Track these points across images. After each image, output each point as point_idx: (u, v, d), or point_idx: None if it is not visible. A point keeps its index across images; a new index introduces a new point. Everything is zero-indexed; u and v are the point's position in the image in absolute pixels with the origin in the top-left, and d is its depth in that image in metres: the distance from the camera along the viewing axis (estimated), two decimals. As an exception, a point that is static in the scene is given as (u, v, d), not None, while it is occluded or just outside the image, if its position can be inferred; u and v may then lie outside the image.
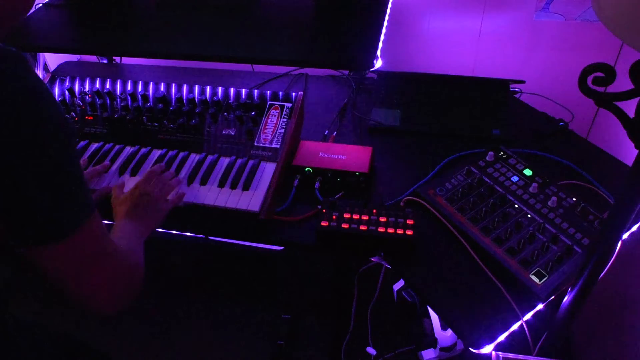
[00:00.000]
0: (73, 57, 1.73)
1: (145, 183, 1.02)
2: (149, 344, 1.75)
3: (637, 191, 0.66)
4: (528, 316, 0.92)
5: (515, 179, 1.12)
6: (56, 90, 1.32)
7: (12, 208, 0.59)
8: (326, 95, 1.48)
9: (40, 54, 1.71)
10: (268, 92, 1.27)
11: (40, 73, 1.73)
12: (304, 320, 1.77)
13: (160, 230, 1.12)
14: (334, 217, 1.04)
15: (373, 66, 1.20)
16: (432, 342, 1.47)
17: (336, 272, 1.87)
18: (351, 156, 1.18)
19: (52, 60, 1.75)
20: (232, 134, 1.22)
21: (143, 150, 1.21)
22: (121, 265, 0.72)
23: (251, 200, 1.08)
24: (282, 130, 1.20)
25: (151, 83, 1.31)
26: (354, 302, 1.75)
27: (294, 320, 1.75)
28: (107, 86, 1.32)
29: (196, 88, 1.29)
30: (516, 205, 1.07)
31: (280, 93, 1.27)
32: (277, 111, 1.24)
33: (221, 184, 1.12)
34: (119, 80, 1.33)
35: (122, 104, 1.28)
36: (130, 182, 1.12)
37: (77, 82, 1.33)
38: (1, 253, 0.68)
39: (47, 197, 0.59)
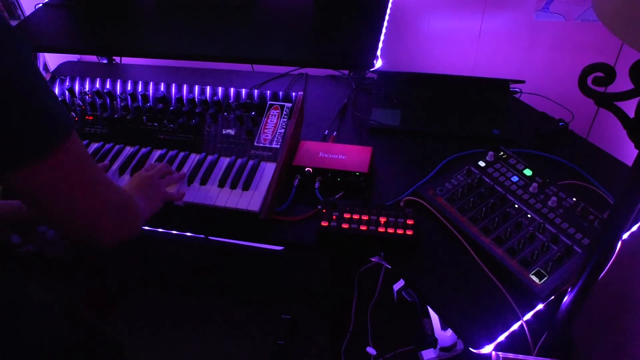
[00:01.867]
0: (73, 57, 1.73)
1: (146, 171, 1.06)
2: (147, 344, 1.75)
3: (637, 191, 0.66)
4: (528, 316, 0.92)
5: (515, 179, 1.12)
6: (56, 90, 1.32)
7: None
8: (326, 95, 1.48)
9: (40, 54, 1.71)
10: (268, 92, 1.27)
11: (40, 73, 1.73)
12: (304, 320, 1.77)
13: (160, 230, 1.12)
14: (334, 217, 1.04)
15: (373, 66, 1.20)
16: (432, 342, 1.47)
17: (336, 272, 1.87)
18: (351, 156, 1.18)
19: (52, 60, 1.75)
20: (232, 134, 1.22)
21: (143, 150, 1.21)
22: (115, 195, 0.73)
23: (251, 200, 1.09)
24: (282, 130, 1.20)
25: (151, 83, 1.31)
26: (354, 302, 1.75)
27: (294, 320, 1.75)
28: (107, 86, 1.32)
29: (196, 88, 1.29)
30: (516, 205, 1.07)
31: (280, 93, 1.27)
32: (277, 111, 1.24)
33: (221, 184, 1.12)
34: (119, 80, 1.33)
35: (122, 104, 1.28)
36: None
37: (77, 82, 1.33)
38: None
39: (18, 113, 0.58)
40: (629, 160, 0.90)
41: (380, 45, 1.25)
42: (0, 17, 0.58)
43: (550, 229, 1.02)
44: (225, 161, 1.17)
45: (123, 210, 0.75)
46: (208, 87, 1.29)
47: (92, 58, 1.74)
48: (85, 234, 0.70)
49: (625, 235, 1.00)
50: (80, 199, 0.67)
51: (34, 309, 0.83)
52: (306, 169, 1.16)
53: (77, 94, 1.31)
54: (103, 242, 0.71)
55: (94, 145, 1.22)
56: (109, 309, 1.88)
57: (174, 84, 1.30)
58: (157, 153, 1.20)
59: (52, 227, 0.79)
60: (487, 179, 1.13)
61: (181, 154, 1.19)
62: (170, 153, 1.19)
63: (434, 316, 1.51)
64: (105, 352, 1.03)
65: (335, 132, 1.34)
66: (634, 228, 1.05)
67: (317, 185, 1.16)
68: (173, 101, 1.28)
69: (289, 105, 1.24)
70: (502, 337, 0.90)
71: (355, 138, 1.33)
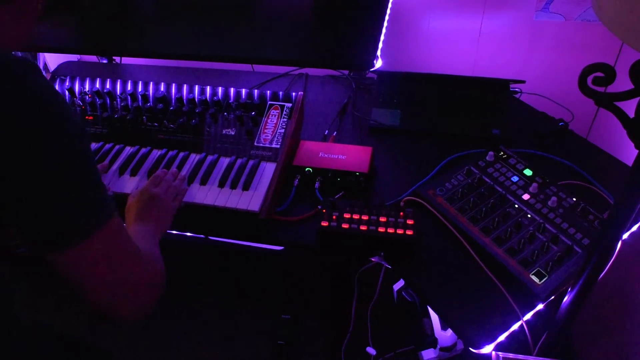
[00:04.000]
0: (73, 57, 1.73)
1: (151, 186, 1.02)
2: (148, 344, 1.75)
3: (637, 191, 0.66)
4: (528, 316, 0.92)
5: (515, 179, 1.12)
6: (56, 90, 1.32)
7: (32, 215, 0.58)
8: (326, 95, 1.48)
9: (40, 54, 1.71)
10: (268, 92, 1.27)
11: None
12: (304, 320, 1.77)
13: (160, 230, 1.12)
14: (334, 217, 1.04)
15: (373, 66, 1.20)
16: (432, 342, 1.47)
17: (336, 272, 1.88)
18: (351, 156, 1.18)
19: (52, 60, 1.75)
20: (232, 134, 1.22)
21: (143, 150, 1.21)
22: (145, 267, 0.71)
23: (251, 200, 1.08)
24: (282, 130, 1.20)
25: (151, 83, 1.31)
26: (354, 302, 1.75)
27: (294, 320, 1.75)
28: (107, 86, 1.32)
29: (196, 88, 1.29)
30: (516, 205, 1.07)
31: (280, 93, 1.27)
32: (277, 111, 1.24)
33: (221, 184, 1.12)
34: (119, 80, 1.33)
35: (122, 104, 1.28)
36: (131, 183, 1.12)
37: (77, 82, 1.33)
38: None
39: (67, 200, 0.59)
40: (629, 160, 0.90)
41: (380, 45, 1.24)
42: (61, 97, 0.60)
43: (550, 229, 1.02)
44: (225, 161, 1.17)
45: (153, 282, 0.73)
46: (208, 87, 1.29)
47: (92, 58, 1.74)
48: (113, 311, 0.68)
49: (625, 235, 1.00)
50: (115, 279, 0.67)
51: (22, 322, 0.83)
52: (306, 169, 1.16)
53: (77, 94, 1.31)
54: (130, 318, 0.69)
55: (94, 146, 1.22)
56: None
57: (174, 84, 1.30)
58: (157, 153, 1.20)
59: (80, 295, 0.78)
60: (487, 179, 1.13)
61: (181, 154, 1.19)
62: (170, 153, 1.19)
63: (434, 316, 1.51)
64: (101, 353, 1.02)
65: (335, 132, 1.34)
66: (634, 228, 1.05)
67: (317, 185, 1.16)
68: (173, 101, 1.28)
69: (289, 105, 1.24)
70: (502, 337, 0.90)
71: (355, 138, 1.33)
